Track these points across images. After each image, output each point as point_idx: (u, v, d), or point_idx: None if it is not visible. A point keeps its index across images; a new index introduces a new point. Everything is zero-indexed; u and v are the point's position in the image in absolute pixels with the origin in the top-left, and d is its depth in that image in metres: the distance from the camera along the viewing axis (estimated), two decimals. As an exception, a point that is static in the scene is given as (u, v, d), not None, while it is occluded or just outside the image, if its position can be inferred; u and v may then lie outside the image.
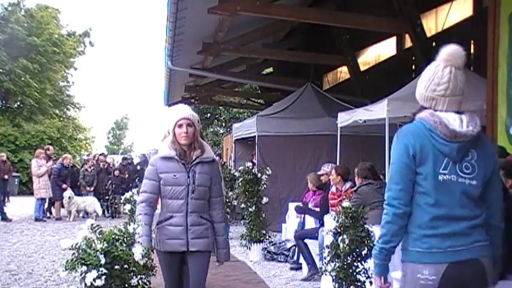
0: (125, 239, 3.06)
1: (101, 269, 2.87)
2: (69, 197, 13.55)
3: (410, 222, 2.35)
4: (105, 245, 2.94)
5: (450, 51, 2.38)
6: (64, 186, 13.87)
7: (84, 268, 2.87)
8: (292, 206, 9.39)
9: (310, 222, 7.55)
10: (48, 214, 14.44)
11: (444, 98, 2.36)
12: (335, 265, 4.30)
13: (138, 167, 16.78)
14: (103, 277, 2.86)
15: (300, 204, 7.95)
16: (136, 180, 15.61)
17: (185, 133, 3.62)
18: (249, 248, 8.40)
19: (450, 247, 2.26)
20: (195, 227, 3.63)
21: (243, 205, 8.73)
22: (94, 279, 2.83)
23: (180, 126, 3.64)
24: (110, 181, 14.83)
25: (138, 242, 3.08)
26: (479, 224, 2.33)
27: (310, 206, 7.85)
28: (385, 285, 2.42)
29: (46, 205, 14.47)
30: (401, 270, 2.44)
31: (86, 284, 2.91)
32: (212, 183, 3.73)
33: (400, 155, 2.35)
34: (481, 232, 2.33)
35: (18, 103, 28.86)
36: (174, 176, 3.62)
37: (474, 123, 2.35)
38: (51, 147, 15.78)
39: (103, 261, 2.89)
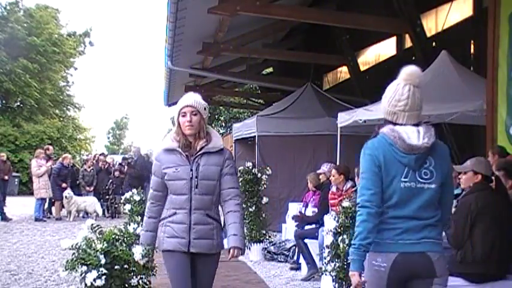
0: (125, 239, 3.06)
1: (101, 269, 2.87)
2: (66, 196, 13.55)
3: None
4: (105, 245, 2.95)
5: (410, 71, 2.74)
6: (64, 185, 13.87)
7: (84, 268, 2.87)
8: (292, 206, 9.39)
9: (310, 222, 7.54)
10: (48, 214, 14.45)
11: (404, 112, 2.70)
12: (335, 265, 4.31)
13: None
14: (103, 277, 2.87)
15: (300, 204, 7.94)
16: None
17: (189, 122, 3.30)
18: (249, 248, 8.40)
19: (401, 240, 2.59)
20: (199, 226, 3.30)
21: (243, 205, 8.72)
22: (94, 279, 2.84)
23: (184, 115, 3.33)
24: (110, 181, 14.83)
25: (140, 243, 3.00)
26: (432, 223, 2.64)
27: (310, 205, 7.85)
28: (362, 280, 2.65)
29: (46, 205, 14.48)
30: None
31: (86, 284, 2.91)
32: (222, 174, 3.35)
33: (369, 165, 2.66)
34: (432, 230, 2.64)
35: (18, 103, 28.89)
36: (176, 169, 3.31)
37: (429, 134, 2.67)
38: (50, 147, 15.78)
39: (103, 261, 2.89)
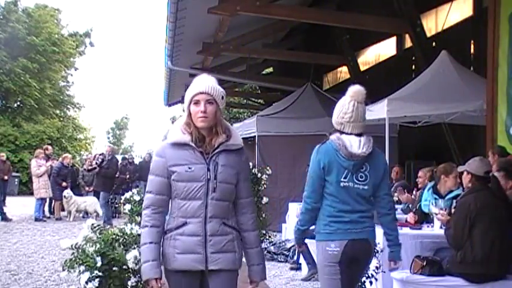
0: (124, 239, 3.05)
1: (95, 271, 2.86)
2: (65, 196, 13.54)
3: (323, 213, 3.30)
4: (102, 246, 2.94)
5: (355, 90, 3.41)
6: (64, 184, 13.87)
7: (82, 268, 2.87)
8: (292, 206, 9.39)
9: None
10: (49, 214, 14.44)
11: (349, 123, 3.29)
12: (335, 265, 4.30)
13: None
14: (96, 280, 2.85)
15: (300, 204, 7.92)
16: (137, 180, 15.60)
17: (203, 112, 2.67)
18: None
19: (349, 229, 3.21)
20: (217, 237, 2.68)
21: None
22: (86, 282, 2.82)
23: (197, 103, 2.69)
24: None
25: (143, 262, 2.63)
26: (369, 215, 3.33)
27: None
28: (301, 248, 4.04)
29: (47, 206, 14.47)
30: (315, 248, 3.36)
31: (85, 284, 2.91)
32: (240, 179, 2.77)
33: (315, 167, 3.31)
34: (370, 220, 3.33)
35: (18, 103, 28.88)
36: (189, 168, 2.67)
37: (368, 145, 3.27)
38: (50, 147, 15.77)
39: (99, 263, 2.88)
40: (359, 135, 3.27)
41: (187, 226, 2.67)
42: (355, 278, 3.40)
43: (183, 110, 3.02)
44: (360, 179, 3.26)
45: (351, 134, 3.27)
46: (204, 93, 2.69)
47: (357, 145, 3.23)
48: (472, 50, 9.73)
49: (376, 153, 3.33)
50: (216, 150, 2.71)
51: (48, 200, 14.38)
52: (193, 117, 2.71)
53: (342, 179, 3.23)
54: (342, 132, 3.29)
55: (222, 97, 2.75)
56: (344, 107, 3.32)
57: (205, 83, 2.72)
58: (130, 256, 2.99)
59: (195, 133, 2.72)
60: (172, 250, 2.68)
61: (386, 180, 3.41)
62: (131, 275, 3.07)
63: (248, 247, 2.79)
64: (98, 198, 14.28)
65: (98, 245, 2.92)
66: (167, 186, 2.71)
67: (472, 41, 9.72)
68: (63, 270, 2.86)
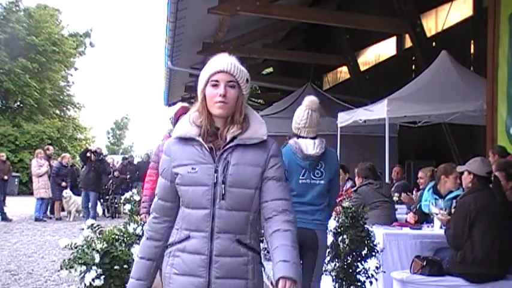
0: (125, 239, 3.06)
1: (99, 270, 2.87)
2: (64, 196, 13.54)
3: None
4: (105, 245, 2.95)
5: (309, 99, 3.91)
6: (63, 184, 13.87)
7: (84, 268, 2.88)
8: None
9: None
10: (49, 214, 14.42)
11: (305, 128, 3.80)
12: (335, 265, 4.30)
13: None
14: (102, 277, 2.86)
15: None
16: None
17: (222, 96, 2.12)
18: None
19: (299, 219, 3.30)
20: (226, 258, 2.13)
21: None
22: (93, 279, 2.84)
23: (216, 84, 2.15)
24: (110, 181, 14.82)
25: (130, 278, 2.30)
26: (322, 208, 3.74)
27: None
28: None
29: (48, 207, 14.46)
30: None
31: (85, 284, 2.91)
32: (266, 179, 2.18)
33: None
34: (322, 214, 3.73)
35: (18, 103, 28.89)
36: (193, 169, 2.14)
37: (321, 146, 3.75)
38: (51, 147, 15.78)
39: (97, 260, 2.88)
40: (313, 138, 3.78)
41: (190, 241, 2.14)
42: (309, 264, 3.72)
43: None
44: (317, 175, 3.73)
45: (306, 137, 3.78)
46: (225, 72, 2.17)
47: (311, 147, 3.73)
48: (472, 50, 9.74)
49: (329, 152, 3.84)
50: (228, 146, 2.15)
51: (48, 200, 14.36)
52: (208, 102, 2.16)
53: (301, 177, 3.70)
54: (299, 136, 3.80)
55: (247, 80, 2.23)
56: (300, 115, 3.84)
57: (227, 60, 2.20)
58: (135, 251, 3.00)
59: (206, 124, 2.17)
60: (169, 270, 2.19)
61: (337, 175, 4.01)
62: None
63: (276, 245, 2.19)
64: (98, 198, 14.32)
65: (100, 244, 2.92)
66: (172, 191, 2.20)
67: (472, 41, 9.72)
68: (61, 269, 2.85)
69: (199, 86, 2.21)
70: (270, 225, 2.19)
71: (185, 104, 3.47)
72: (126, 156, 18.80)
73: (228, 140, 2.16)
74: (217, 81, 2.16)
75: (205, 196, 2.13)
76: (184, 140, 2.20)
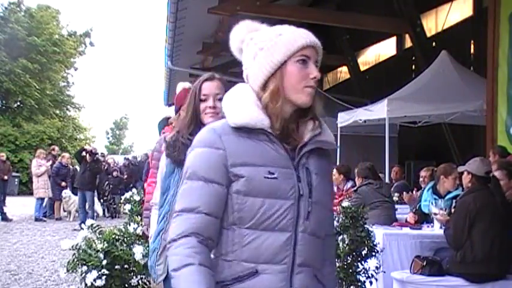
0: (125, 239, 3.06)
1: (102, 270, 2.87)
2: (64, 196, 13.55)
3: None
4: (106, 245, 2.95)
5: None
6: (63, 184, 13.87)
7: (85, 268, 2.88)
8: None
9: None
10: (49, 213, 14.41)
11: None
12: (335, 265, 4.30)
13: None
14: (103, 277, 2.87)
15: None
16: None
17: (314, 80, 1.59)
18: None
19: None
20: None
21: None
22: (94, 280, 2.84)
23: (304, 61, 1.57)
24: (106, 182, 14.80)
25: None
26: None
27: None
28: None
29: (47, 207, 14.46)
30: None
31: (86, 284, 2.91)
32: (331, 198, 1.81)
33: None
34: None
35: (18, 103, 28.90)
36: (270, 173, 1.49)
37: None
38: (56, 148, 15.81)
39: (104, 262, 2.89)
40: None
41: (259, 278, 1.48)
42: None
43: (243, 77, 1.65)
44: None
45: None
46: (315, 47, 1.61)
47: None
48: (472, 50, 9.74)
49: None
50: (306, 149, 1.56)
51: (47, 200, 14.36)
52: (294, 84, 1.55)
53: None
54: None
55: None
56: None
57: (311, 35, 1.63)
58: (137, 250, 3.01)
59: (282, 116, 1.54)
60: None
61: None
62: (132, 274, 3.07)
63: None
64: (98, 198, 14.31)
65: (100, 245, 2.92)
66: (223, 202, 1.49)
67: (472, 41, 9.73)
68: (67, 271, 2.86)
69: (273, 60, 1.54)
70: (328, 271, 1.67)
71: (187, 85, 3.19)
72: (127, 156, 18.80)
73: (306, 139, 1.57)
74: (308, 57, 1.57)
75: (288, 214, 1.49)
76: (248, 131, 1.52)
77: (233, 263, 1.49)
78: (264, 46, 1.56)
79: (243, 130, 1.52)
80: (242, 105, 1.55)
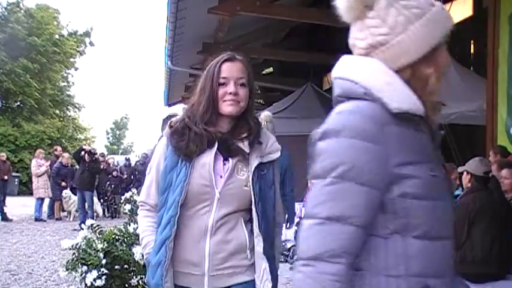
0: (125, 239, 3.06)
1: (102, 269, 2.88)
2: (64, 196, 13.55)
3: None
4: (105, 245, 2.95)
5: (265, 113, 3.55)
6: (63, 184, 13.87)
7: (85, 268, 2.88)
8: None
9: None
10: (48, 215, 14.42)
11: None
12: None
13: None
14: (103, 277, 2.87)
15: (301, 204, 7.94)
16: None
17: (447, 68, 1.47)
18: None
19: None
20: None
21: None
22: (94, 279, 2.84)
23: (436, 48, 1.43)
24: (108, 182, 14.81)
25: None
26: None
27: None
28: None
29: (47, 207, 14.46)
30: None
31: (86, 284, 2.91)
32: None
33: None
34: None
35: (18, 103, 28.89)
36: (432, 171, 1.26)
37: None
38: (59, 148, 15.82)
39: (104, 261, 2.89)
40: None
41: None
42: None
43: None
44: None
45: None
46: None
47: None
48: (472, 50, 9.74)
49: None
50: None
51: (49, 201, 14.36)
52: (442, 66, 1.44)
53: None
54: None
55: None
56: None
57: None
58: (137, 250, 3.01)
59: (430, 102, 1.35)
60: None
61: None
62: (132, 274, 3.07)
63: None
64: (98, 198, 14.31)
65: (100, 245, 2.92)
66: (376, 210, 1.23)
67: (472, 41, 9.72)
68: (66, 270, 2.86)
69: (435, 33, 1.40)
70: None
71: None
72: (128, 156, 18.81)
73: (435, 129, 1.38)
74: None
75: (450, 217, 1.31)
76: (407, 119, 1.25)
77: (398, 279, 1.21)
78: (422, 14, 1.29)
79: (401, 118, 1.24)
80: (398, 85, 1.26)
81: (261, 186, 2.02)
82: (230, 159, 2.02)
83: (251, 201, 2.00)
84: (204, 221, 2.00)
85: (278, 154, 2.13)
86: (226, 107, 2.01)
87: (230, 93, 1.99)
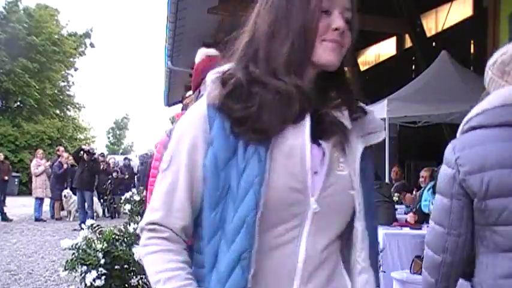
0: (125, 239, 3.06)
1: (100, 269, 2.88)
2: (65, 196, 13.55)
3: None
4: (105, 245, 2.95)
5: None
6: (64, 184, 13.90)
7: (84, 268, 2.88)
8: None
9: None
10: (49, 215, 14.40)
11: None
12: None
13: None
14: (103, 277, 2.87)
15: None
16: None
17: None
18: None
19: None
20: None
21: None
22: (94, 279, 2.84)
23: None
24: (108, 181, 14.81)
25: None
26: None
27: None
28: None
29: (49, 207, 14.46)
30: None
31: (85, 284, 2.91)
32: None
33: None
34: None
35: (18, 103, 28.89)
36: None
37: None
38: (61, 148, 15.84)
39: (102, 261, 2.89)
40: None
41: None
42: None
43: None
44: None
45: None
46: None
47: None
48: (472, 50, 9.74)
49: None
50: None
51: (50, 201, 14.36)
52: None
53: None
54: None
55: None
56: None
57: None
58: (137, 251, 3.01)
59: None
60: None
61: None
62: (132, 274, 3.07)
63: None
64: (98, 198, 14.30)
65: (100, 245, 2.92)
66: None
67: (472, 41, 9.73)
68: (65, 269, 2.86)
69: None
70: None
71: (212, 53, 2.39)
72: (128, 156, 18.81)
73: None
74: None
75: None
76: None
77: None
78: None
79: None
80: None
81: (368, 187, 1.20)
82: (324, 143, 1.15)
83: (353, 216, 1.17)
84: (289, 257, 1.10)
85: (383, 134, 1.28)
86: (327, 53, 1.15)
87: (336, 29, 1.13)
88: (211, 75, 1.14)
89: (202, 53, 2.48)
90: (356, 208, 1.15)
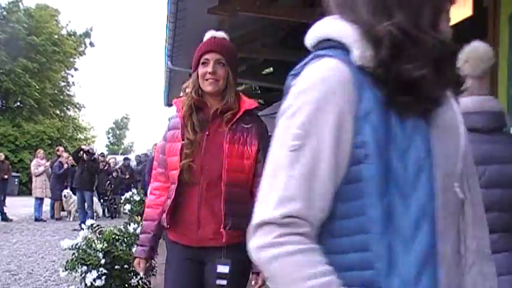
0: (125, 239, 3.06)
1: (100, 268, 2.88)
2: (65, 196, 13.56)
3: None
4: (105, 245, 2.95)
5: None
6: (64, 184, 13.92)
7: (85, 268, 2.88)
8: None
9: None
10: (49, 215, 14.41)
11: None
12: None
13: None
14: (103, 277, 2.87)
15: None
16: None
17: None
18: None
19: None
20: None
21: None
22: (94, 279, 2.84)
23: None
24: (108, 182, 14.82)
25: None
26: None
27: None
28: None
29: (49, 207, 14.47)
30: None
31: (86, 284, 2.91)
32: None
33: None
34: None
35: (18, 103, 28.90)
36: None
37: None
38: (61, 148, 15.86)
39: (103, 261, 2.90)
40: None
41: None
42: None
43: None
44: None
45: None
46: None
47: None
48: (472, 50, 9.75)
49: None
50: None
51: (49, 200, 14.38)
52: None
53: None
54: None
55: None
56: None
57: None
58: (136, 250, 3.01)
59: None
60: None
61: None
62: (132, 274, 3.07)
63: None
64: (98, 198, 14.31)
65: (100, 245, 2.93)
66: None
67: (472, 41, 9.74)
68: (65, 269, 2.86)
69: None
70: None
71: (219, 35, 2.56)
72: (128, 156, 18.82)
73: None
74: None
75: None
76: None
77: None
78: None
79: None
80: None
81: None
82: None
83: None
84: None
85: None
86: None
87: None
88: (349, 31, 0.97)
89: (209, 34, 2.51)
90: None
